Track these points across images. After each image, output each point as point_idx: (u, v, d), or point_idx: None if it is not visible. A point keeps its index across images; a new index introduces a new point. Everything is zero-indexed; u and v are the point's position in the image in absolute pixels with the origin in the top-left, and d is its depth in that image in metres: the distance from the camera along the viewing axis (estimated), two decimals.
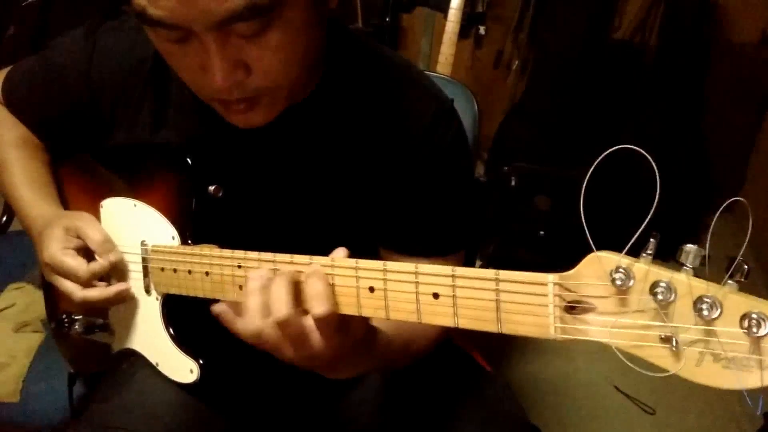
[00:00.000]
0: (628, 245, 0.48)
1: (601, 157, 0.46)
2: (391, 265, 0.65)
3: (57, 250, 0.91)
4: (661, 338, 0.48)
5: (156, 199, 0.94)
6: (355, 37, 0.94)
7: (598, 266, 0.50)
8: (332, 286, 0.68)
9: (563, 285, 0.53)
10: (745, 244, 0.40)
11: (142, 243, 0.93)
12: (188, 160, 0.91)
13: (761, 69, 2.77)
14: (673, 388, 2.04)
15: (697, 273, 0.47)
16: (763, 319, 0.43)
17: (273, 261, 0.73)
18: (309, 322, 0.67)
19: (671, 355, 0.48)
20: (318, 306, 0.66)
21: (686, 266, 0.47)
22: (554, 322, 0.53)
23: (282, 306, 0.67)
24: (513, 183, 2.37)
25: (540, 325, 0.55)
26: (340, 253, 0.69)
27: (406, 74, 0.95)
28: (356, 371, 0.75)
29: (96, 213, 1.01)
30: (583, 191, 0.48)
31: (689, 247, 0.47)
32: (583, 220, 0.47)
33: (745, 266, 0.43)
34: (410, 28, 2.95)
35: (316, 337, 0.68)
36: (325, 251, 0.71)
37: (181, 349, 0.91)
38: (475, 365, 1.08)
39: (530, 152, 2.48)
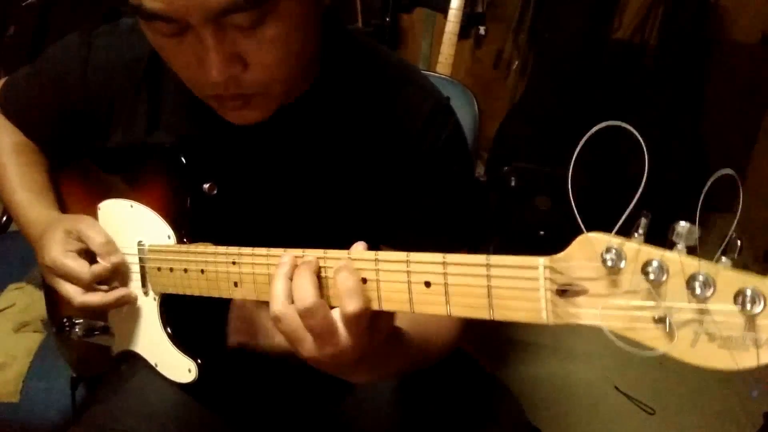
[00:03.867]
0: (618, 224, 0.47)
1: (591, 132, 0.45)
2: (383, 254, 0.64)
3: (58, 252, 0.90)
4: (655, 319, 0.47)
5: (152, 199, 0.94)
6: (351, 35, 0.94)
7: (589, 247, 0.49)
8: (326, 278, 0.66)
9: (554, 268, 0.51)
10: (736, 219, 0.39)
11: (139, 243, 0.93)
12: (182, 158, 0.90)
13: (761, 69, 2.78)
14: (673, 388, 2.05)
15: (690, 252, 0.46)
16: (758, 296, 0.42)
17: (266, 255, 0.72)
18: (336, 316, 0.64)
19: (665, 336, 0.46)
20: (350, 303, 0.62)
21: (678, 245, 0.45)
22: (546, 306, 0.52)
23: (305, 295, 0.64)
24: (513, 183, 2.38)
25: (532, 310, 0.53)
26: (360, 247, 0.67)
27: (402, 72, 0.95)
28: (376, 374, 0.71)
29: (94, 215, 1.01)
30: (570, 173, 0.46)
31: (681, 225, 0.46)
32: (572, 201, 0.46)
33: (738, 242, 0.42)
34: (410, 28, 2.96)
35: (342, 333, 0.64)
36: (321, 247, 0.70)
37: (179, 348, 0.91)
38: (475, 366, 1.07)
39: (530, 152, 2.48)
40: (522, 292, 0.54)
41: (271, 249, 0.72)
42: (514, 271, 0.54)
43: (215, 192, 0.90)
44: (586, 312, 0.50)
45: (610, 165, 2.44)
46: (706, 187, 0.38)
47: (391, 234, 0.94)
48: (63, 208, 1.08)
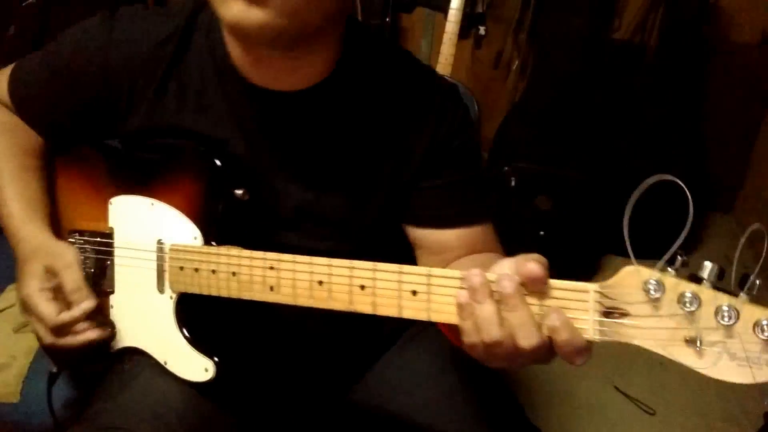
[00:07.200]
0: (663, 260, 0.60)
1: (642, 186, 0.58)
2: (436, 271, 0.74)
3: (34, 290, 0.95)
4: (686, 340, 0.61)
5: (177, 199, 0.97)
6: (366, 26, 1.02)
7: (636, 278, 0.63)
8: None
9: (603, 293, 0.65)
10: (758, 268, 0.53)
11: (159, 242, 0.97)
12: (217, 161, 0.93)
13: (761, 69, 2.83)
14: (673, 388, 2.09)
15: (714, 284, 0.60)
16: None
17: (310, 264, 0.80)
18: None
19: (694, 354, 0.60)
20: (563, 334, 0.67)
21: (705, 280, 0.60)
22: (594, 325, 0.66)
23: (492, 329, 0.69)
24: (513, 183, 2.42)
25: (580, 328, 0.66)
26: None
27: (414, 60, 1.03)
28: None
29: (102, 210, 1.05)
30: (628, 212, 0.59)
31: (708, 264, 0.60)
32: (626, 237, 0.58)
33: (757, 282, 0.56)
34: (410, 28, 2.98)
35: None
36: (344, 254, 0.79)
37: (195, 347, 0.95)
38: (475, 365, 1.14)
39: (530, 152, 2.50)
40: (572, 312, 0.66)
41: (314, 258, 0.80)
42: (566, 294, 0.67)
43: (248, 198, 0.94)
44: (628, 332, 0.64)
45: (611, 165, 2.49)
46: (739, 247, 0.50)
47: (418, 215, 1.02)
48: (66, 203, 1.10)
